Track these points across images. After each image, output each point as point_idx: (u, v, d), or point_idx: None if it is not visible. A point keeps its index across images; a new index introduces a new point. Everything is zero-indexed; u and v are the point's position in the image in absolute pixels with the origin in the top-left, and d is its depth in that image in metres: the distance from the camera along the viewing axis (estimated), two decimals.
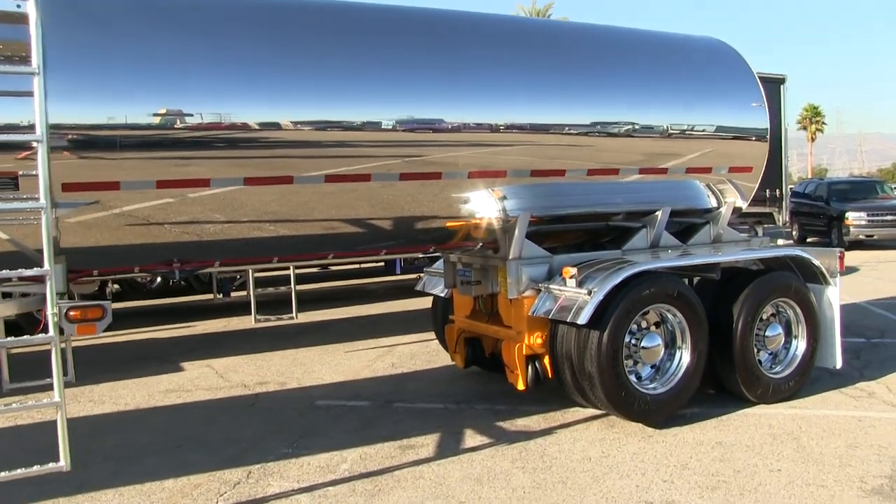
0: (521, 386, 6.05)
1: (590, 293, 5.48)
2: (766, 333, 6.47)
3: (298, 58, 5.35)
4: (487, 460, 5.35)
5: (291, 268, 8.85)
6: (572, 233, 6.95)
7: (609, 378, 5.53)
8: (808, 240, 21.66)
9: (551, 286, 5.80)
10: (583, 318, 5.41)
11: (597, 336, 5.55)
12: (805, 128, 78.00)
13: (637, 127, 6.37)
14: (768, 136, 7.01)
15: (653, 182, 6.76)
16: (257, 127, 5.10)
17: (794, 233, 22.12)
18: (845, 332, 9.23)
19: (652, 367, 5.98)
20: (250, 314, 9.15)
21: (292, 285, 8.97)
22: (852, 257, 18.22)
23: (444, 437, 5.89)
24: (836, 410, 6.25)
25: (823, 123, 79.30)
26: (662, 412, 5.84)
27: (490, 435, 5.91)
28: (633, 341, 5.86)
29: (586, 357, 5.58)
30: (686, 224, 7.08)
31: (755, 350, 6.35)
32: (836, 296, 6.74)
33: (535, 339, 5.99)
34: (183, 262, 5.67)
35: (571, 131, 6.20)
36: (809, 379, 6.73)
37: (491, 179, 5.95)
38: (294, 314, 9.01)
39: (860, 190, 21.00)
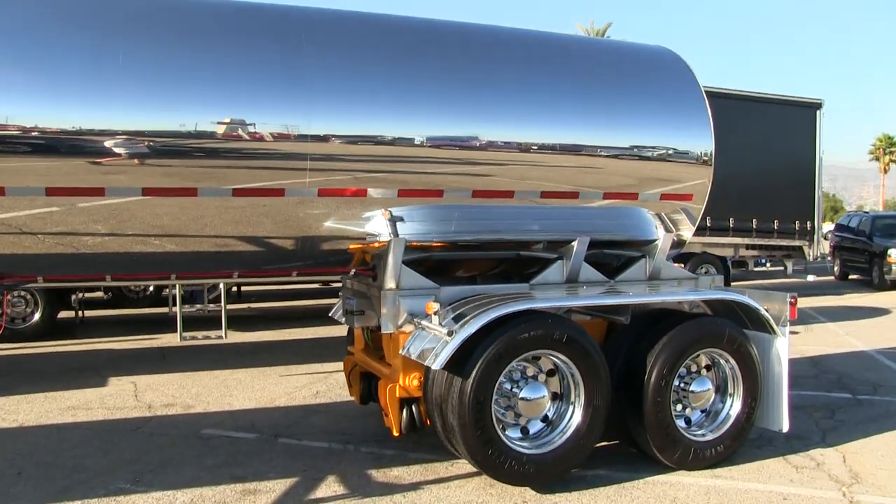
0: (395, 431, 5.35)
1: (450, 334, 4.76)
2: (693, 388, 5.58)
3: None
4: None
5: (221, 285, 8.38)
6: (487, 262, 6.23)
7: (471, 432, 4.78)
8: (850, 277, 20.06)
9: (424, 322, 5.08)
10: (437, 363, 4.68)
11: (459, 384, 4.81)
12: (878, 158, 73.73)
13: (541, 145, 5.53)
14: (713, 160, 6.10)
15: (583, 209, 5.95)
16: (159, 134, 4.65)
17: (836, 269, 20.55)
18: (835, 385, 8.25)
19: (541, 421, 5.19)
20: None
21: (223, 303, 8.49)
22: (890, 298, 16.77)
23: (299, 484, 5.25)
24: (764, 484, 5.30)
25: None
26: (545, 475, 5.03)
27: (350, 485, 5.23)
28: (516, 390, 5.09)
29: (448, 407, 4.85)
30: (625, 258, 6.26)
31: (672, 407, 5.48)
32: (785, 348, 5.77)
33: (412, 381, 5.28)
34: (48, 277, 5.27)
35: (483, 147, 5.45)
36: (743, 443, 5.78)
37: (420, 199, 5.32)
38: (223, 333, 8.51)
39: None
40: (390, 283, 5.32)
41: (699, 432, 5.57)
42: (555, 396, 5.23)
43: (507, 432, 5.10)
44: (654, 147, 5.90)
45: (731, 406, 5.69)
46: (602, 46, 6.12)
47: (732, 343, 5.57)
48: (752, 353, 5.65)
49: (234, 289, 14.14)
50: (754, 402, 5.68)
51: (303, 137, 4.84)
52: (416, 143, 5.14)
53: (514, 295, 5.29)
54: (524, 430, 5.17)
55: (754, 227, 15.39)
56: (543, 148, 5.49)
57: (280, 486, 5.22)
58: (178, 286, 8.32)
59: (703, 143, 6.04)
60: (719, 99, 15.40)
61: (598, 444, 5.91)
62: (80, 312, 11.45)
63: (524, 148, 5.43)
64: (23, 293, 10.94)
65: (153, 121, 4.67)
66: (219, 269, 5.72)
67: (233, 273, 5.79)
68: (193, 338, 8.68)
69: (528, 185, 5.47)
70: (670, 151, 5.99)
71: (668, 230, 6.27)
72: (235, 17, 5.08)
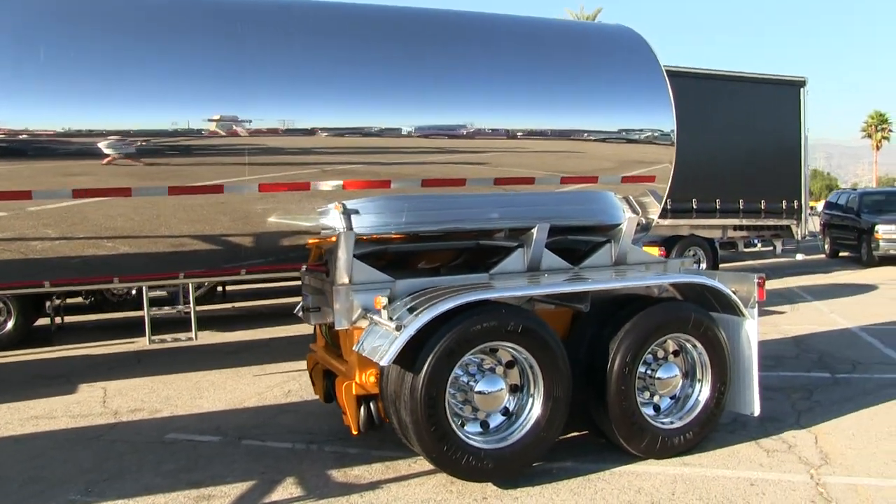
0: (353, 430, 5.22)
1: (399, 328, 4.61)
2: (659, 375, 5.43)
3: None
4: None
5: (190, 286, 8.22)
6: (450, 253, 6.07)
7: (424, 428, 4.64)
8: (841, 254, 19.90)
9: (375, 317, 4.93)
10: (386, 359, 4.53)
11: (411, 379, 4.66)
12: (870, 136, 73.22)
13: (492, 130, 5.32)
14: (674, 139, 5.92)
15: (545, 194, 5.77)
16: (84, 132, 4.46)
17: (825, 247, 20.39)
18: (816, 365, 8.12)
19: (501, 415, 5.05)
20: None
21: (191, 305, 8.33)
22: (878, 274, 16.62)
23: (256, 487, 5.12)
24: (732, 470, 5.17)
25: (890, 131, 73.97)
26: (505, 470, 4.89)
27: (307, 486, 5.10)
28: (472, 384, 4.94)
29: (401, 403, 4.71)
30: (591, 244, 6.10)
31: (638, 395, 5.35)
32: (754, 330, 5.63)
33: (368, 378, 5.13)
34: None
35: (412, 134, 5.22)
36: (714, 429, 5.64)
37: (368, 189, 5.14)
38: (193, 335, 8.36)
39: (895, 201, 19.06)
40: (342, 278, 5.17)
41: (667, 420, 5.43)
42: (514, 389, 5.09)
43: (466, 427, 4.96)
44: (612, 129, 5.71)
45: (700, 392, 5.56)
46: (558, 27, 5.87)
47: (699, 327, 5.42)
48: (720, 337, 5.51)
49: (220, 289, 13.97)
50: (724, 386, 5.55)
51: (240, 132, 4.68)
52: (363, 132, 4.96)
53: (468, 286, 5.13)
54: (484, 425, 5.03)
55: (741, 207, 15.23)
56: (496, 133, 5.30)
57: (236, 490, 5.09)
58: (144, 288, 8.16)
59: (664, 122, 5.84)
60: (701, 80, 15.27)
61: (568, 435, 5.84)
62: (56, 319, 11.28)
63: (475, 134, 5.25)
64: None
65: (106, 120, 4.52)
66: (174, 269, 5.56)
67: (180, 273, 5.60)
68: (163, 340, 8.52)
69: (480, 172, 5.29)
70: (630, 133, 5.81)
71: (634, 213, 6.13)
72: (169, 8, 4.89)
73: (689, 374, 5.60)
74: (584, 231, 6.08)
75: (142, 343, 10.13)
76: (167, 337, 8.48)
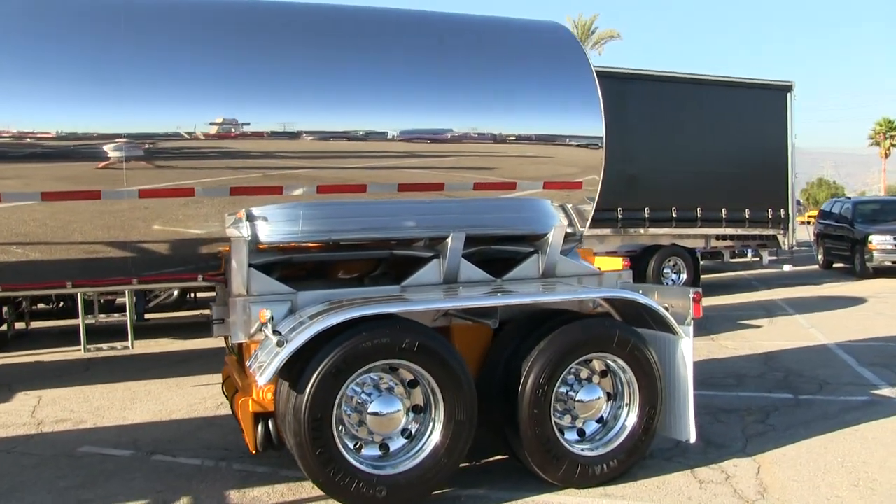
0: (251, 448, 4.90)
1: (281, 344, 4.29)
2: (580, 398, 5.06)
3: None
4: None
5: (128, 293, 7.94)
6: (370, 263, 5.74)
7: (308, 451, 4.31)
8: (835, 265, 19.35)
9: (264, 332, 4.61)
10: (263, 378, 4.22)
11: (294, 399, 4.34)
12: (878, 143, 71.76)
13: (400, 132, 4.95)
14: (603, 144, 5.54)
15: (469, 202, 5.39)
16: None
17: (819, 257, 19.85)
18: (779, 385, 7.71)
19: (404, 438, 4.70)
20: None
21: (128, 312, 8.05)
22: (870, 287, 16.10)
23: None
24: None
25: None
26: (399, 498, 4.54)
27: None
28: (367, 405, 4.60)
29: (286, 425, 4.38)
30: (519, 255, 5.75)
31: (557, 419, 5.00)
32: (689, 349, 5.26)
33: (266, 394, 4.81)
34: None
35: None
36: (642, 457, 5.25)
37: (262, 197, 4.83)
38: (130, 343, 8.07)
39: (891, 210, 18.45)
40: (239, 289, 4.86)
41: (587, 447, 5.05)
42: (418, 409, 4.75)
43: (363, 451, 4.63)
44: (533, 131, 5.32)
45: (627, 417, 5.18)
46: (478, 22, 5.47)
47: (624, 346, 5.05)
48: (650, 358, 5.13)
49: (191, 295, 13.66)
50: (654, 410, 5.16)
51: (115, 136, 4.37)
52: (249, 134, 4.63)
53: (372, 299, 4.82)
54: (384, 447, 4.69)
55: (724, 216, 14.77)
56: (403, 134, 4.95)
57: None
58: (79, 295, 7.89)
59: (592, 125, 5.46)
60: (679, 84, 14.88)
61: (491, 459, 5.50)
62: (16, 324, 11.01)
63: (373, 136, 4.90)
64: None
65: None
66: (82, 276, 5.25)
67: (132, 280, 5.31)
68: (98, 349, 8.25)
69: (381, 178, 4.94)
70: (555, 136, 5.43)
71: (571, 223, 5.79)
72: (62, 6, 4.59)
73: (617, 397, 5.24)
74: (513, 241, 5.75)
75: (95, 352, 9.83)
76: (103, 346, 8.20)
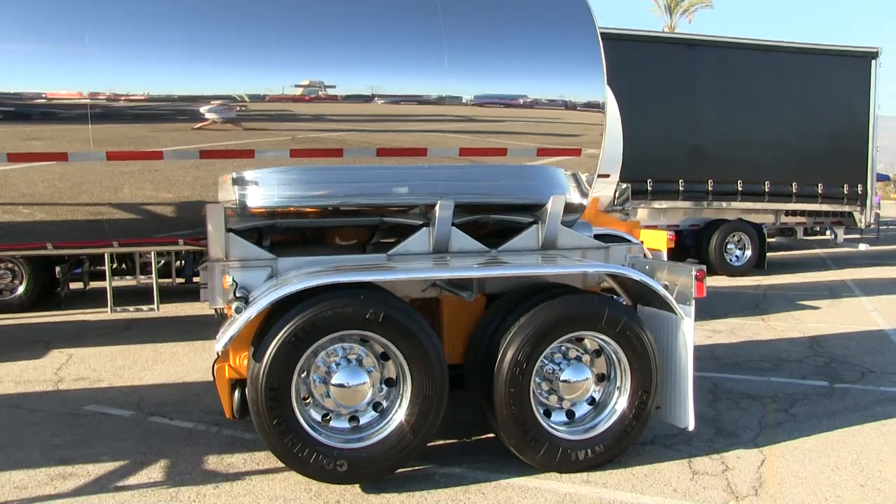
0: (227, 414, 4.86)
1: (238, 311, 4.18)
2: (564, 377, 4.77)
3: None
4: None
5: (153, 254, 8.06)
6: (361, 231, 5.57)
7: (266, 420, 4.22)
8: None
9: (230, 298, 4.51)
10: (218, 345, 4.16)
11: (254, 367, 4.24)
12: None
13: (382, 95, 4.66)
14: (604, 106, 5.11)
15: (463, 167, 5.05)
16: None
17: None
18: (818, 371, 7.16)
19: (374, 411, 4.55)
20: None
21: (153, 275, 8.18)
22: None
23: (121, 469, 4.87)
24: (637, 495, 4.47)
25: None
26: (361, 474, 4.39)
27: (171, 472, 4.81)
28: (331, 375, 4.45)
29: (249, 395, 4.29)
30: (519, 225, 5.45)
31: (543, 398, 4.75)
32: (690, 331, 4.87)
33: (242, 361, 4.73)
34: None
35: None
36: (632, 444, 4.90)
37: (230, 161, 4.71)
38: (155, 305, 8.22)
39: None
40: (216, 253, 4.78)
41: (568, 430, 4.76)
42: (391, 383, 4.58)
43: (332, 423, 4.51)
44: (525, 91, 4.95)
45: (617, 400, 4.85)
46: None
47: (614, 325, 4.70)
48: (643, 338, 4.77)
49: None
50: (646, 395, 4.81)
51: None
52: (210, 99, 4.48)
53: (350, 266, 4.64)
54: (354, 420, 4.55)
55: (795, 191, 13.85)
56: (384, 98, 4.68)
57: (100, 470, 4.85)
58: (107, 257, 8.07)
59: (592, 85, 5.03)
60: (748, 52, 13.99)
61: (483, 437, 5.29)
62: (64, 285, 11.43)
63: (354, 98, 4.67)
64: (9, 265, 11.06)
65: None
66: (96, 238, 5.32)
67: (112, 242, 5.37)
68: (125, 310, 8.45)
69: (359, 141, 4.71)
70: (550, 99, 5.04)
71: (583, 191, 5.45)
72: None
73: (609, 379, 4.91)
74: (517, 210, 5.45)
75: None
76: (130, 308, 8.38)
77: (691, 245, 14.43)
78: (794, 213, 14.48)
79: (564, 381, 4.76)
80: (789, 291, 12.21)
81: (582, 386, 4.80)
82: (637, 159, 13.18)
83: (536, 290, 4.93)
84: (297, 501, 4.36)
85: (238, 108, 4.56)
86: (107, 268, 8.13)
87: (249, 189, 4.80)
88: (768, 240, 15.37)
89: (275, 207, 4.90)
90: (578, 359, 4.86)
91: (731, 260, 14.12)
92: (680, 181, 13.60)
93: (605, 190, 10.58)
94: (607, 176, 10.44)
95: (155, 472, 4.82)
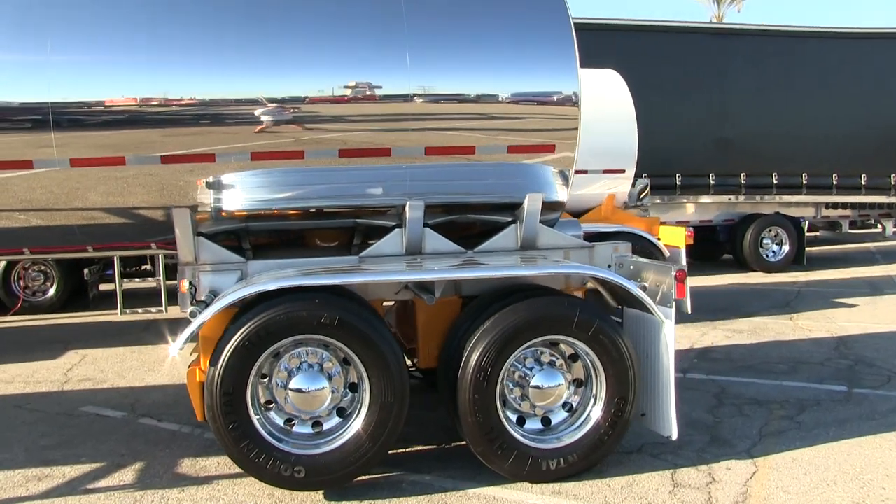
0: (198, 416, 4.82)
1: (193, 316, 4.15)
2: (535, 383, 4.57)
3: None
4: None
5: (160, 258, 8.15)
6: (339, 233, 5.48)
7: (222, 426, 4.18)
8: None
9: (187, 302, 4.50)
10: (172, 349, 4.12)
11: (210, 372, 4.19)
12: None
13: (334, 94, 4.57)
14: (578, 100, 4.87)
15: (442, 167, 4.90)
16: None
17: None
18: (839, 375, 6.78)
19: (337, 416, 4.45)
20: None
21: (161, 277, 8.27)
22: None
23: (96, 471, 4.92)
24: None
25: None
26: (318, 481, 4.30)
27: (143, 475, 4.84)
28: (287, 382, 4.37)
29: (206, 400, 4.24)
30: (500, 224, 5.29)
31: (515, 404, 4.59)
32: (671, 334, 4.63)
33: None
34: None
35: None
36: (609, 453, 4.67)
37: (194, 166, 4.70)
38: (164, 307, 8.31)
39: None
40: (185, 257, 4.76)
41: (537, 439, 4.57)
42: (354, 388, 4.47)
43: (296, 428, 4.43)
44: (494, 87, 4.77)
45: (592, 408, 4.64)
46: None
47: (584, 329, 4.49)
48: (619, 344, 4.54)
49: None
50: (623, 402, 4.59)
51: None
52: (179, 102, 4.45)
53: (317, 269, 4.55)
54: (317, 425, 4.46)
55: (835, 182, 13.22)
56: (334, 97, 4.56)
57: (74, 472, 4.91)
58: (116, 258, 8.19)
59: (565, 78, 4.81)
60: (786, 38, 13.42)
61: (461, 443, 5.14)
62: (92, 286, 11.65)
63: (311, 99, 4.58)
64: (42, 267, 11.38)
65: None
66: (90, 241, 5.38)
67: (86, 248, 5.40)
68: (134, 312, 8.56)
69: (319, 143, 4.61)
70: (516, 91, 4.83)
71: (534, 194, 5.21)
72: None
73: (587, 384, 4.70)
74: (495, 210, 5.28)
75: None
76: (139, 309, 8.50)
77: (725, 241, 13.94)
78: (836, 205, 13.83)
79: (535, 387, 4.57)
80: (826, 288, 11.65)
81: (554, 392, 4.60)
82: (664, 153, 12.83)
83: (510, 292, 4.76)
84: None
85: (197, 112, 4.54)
86: (116, 271, 8.26)
87: (223, 193, 4.78)
88: (813, 234, 14.76)
89: (245, 210, 4.86)
90: (552, 364, 4.67)
91: (767, 255, 13.56)
92: (711, 175, 13.14)
93: (622, 186, 10.32)
94: (623, 171, 10.20)
95: (127, 474, 4.84)
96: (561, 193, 5.20)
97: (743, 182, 13.07)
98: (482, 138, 4.82)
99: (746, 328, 8.95)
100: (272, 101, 4.55)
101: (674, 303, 4.62)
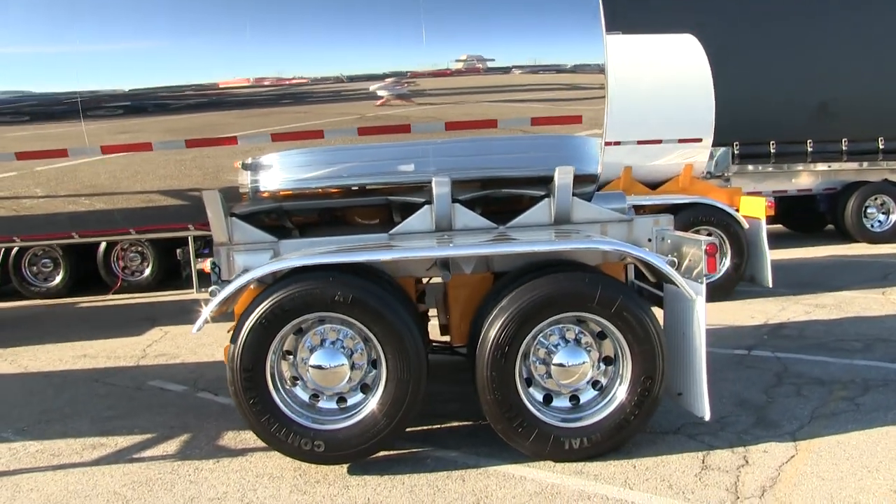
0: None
1: (213, 295, 4.31)
2: (557, 361, 4.46)
3: None
4: (121, 477, 4.58)
5: (190, 240, 8.41)
6: (377, 211, 5.53)
7: (244, 401, 4.33)
8: None
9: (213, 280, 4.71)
10: (194, 328, 4.29)
11: (231, 350, 4.35)
12: None
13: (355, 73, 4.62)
14: (604, 68, 4.64)
15: (480, 140, 4.88)
16: None
17: None
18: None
19: (361, 392, 4.53)
20: None
21: (191, 259, 8.52)
22: None
23: (144, 442, 5.22)
24: (625, 490, 4.11)
25: None
26: (338, 455, 4.38)
27: (188, 445, 5.09)
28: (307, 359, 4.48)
29: (228, 376, 4.41)
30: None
31: (531, 382, 4.51)
32: (702, 311, 4.39)
33: None
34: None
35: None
36: (635, 434, 4.52)
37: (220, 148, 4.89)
38: (194, 289, 8.58)
39: None
40: (220, 237, 4.96)
41: (562, 417, 4.48)
42: (375, 364, 4.52)
43: (320, 404, 4.54)
44: (515, 56, 4.64)
45: (618, 387, 4.49)
46: None
47: (607, 306, 4.33)
48: (644, 320, 4.36)
49: None
50: (650, 381, 4.41)
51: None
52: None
53: (342, 248, 4.62)
54: (342, 401, 4.56)
55: None
56: (352, 79, 4.59)
57: (126, 442, 5.22)
58: (191, 240, 8.55)
59: (590, 50, 4.62)
60: None
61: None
62: (186, 266, 12.31)
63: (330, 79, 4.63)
64: (139, 248, 12.13)
65: None
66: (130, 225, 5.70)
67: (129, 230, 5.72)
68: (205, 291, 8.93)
69: (338, 118, 4.64)
70: (539, 61, 4.67)
71: (565, 168, 5.03)
72: None
73: (615, 363, 4.54)
74: (529, 184, 5.17)
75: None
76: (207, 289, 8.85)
77: (826, 210, 13.06)
78: None
79: (557, 365, 4.47)
80: None
81: (578, 370, 4.48)
82: (756, 119, 12.11)
83: (541, 267, 4.66)
84: (281, 479, 4.45)
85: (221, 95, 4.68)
86: (191, 250, 8.63)
87: (259, 174, 4.94)
88: None
89: (279, 191, 5.00)
90: (578, 341, 4.55)
91: (872, 226, 12.62)
92: (808, 141, 12.33)
93: (700, 155, 9.85)
94: (699, 140, 9.72)
95: (172, 445, 5.12)
96: (594, 165, 5.02)
97: (844, 148, 12.18)
98: (504, 111, 4.71)
99: (830, 303, 8.38)
100: (289, 81, 4.64)
101: (704, 278, 4.39)
